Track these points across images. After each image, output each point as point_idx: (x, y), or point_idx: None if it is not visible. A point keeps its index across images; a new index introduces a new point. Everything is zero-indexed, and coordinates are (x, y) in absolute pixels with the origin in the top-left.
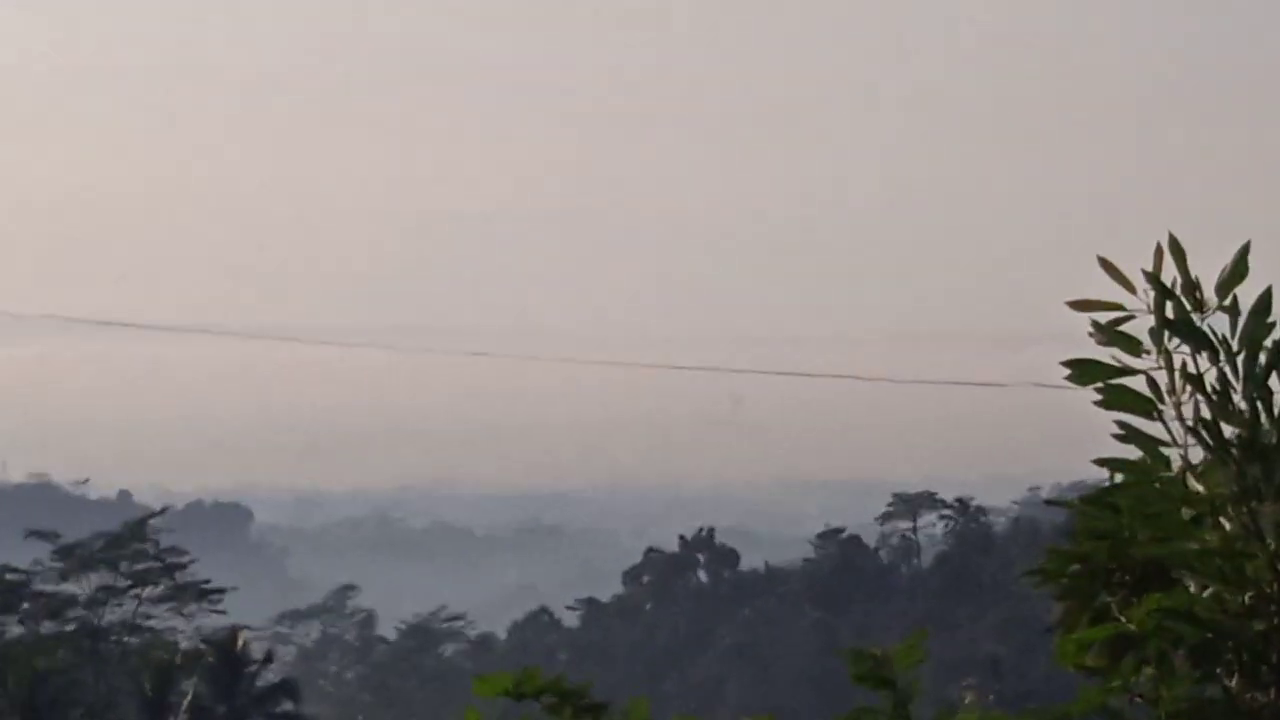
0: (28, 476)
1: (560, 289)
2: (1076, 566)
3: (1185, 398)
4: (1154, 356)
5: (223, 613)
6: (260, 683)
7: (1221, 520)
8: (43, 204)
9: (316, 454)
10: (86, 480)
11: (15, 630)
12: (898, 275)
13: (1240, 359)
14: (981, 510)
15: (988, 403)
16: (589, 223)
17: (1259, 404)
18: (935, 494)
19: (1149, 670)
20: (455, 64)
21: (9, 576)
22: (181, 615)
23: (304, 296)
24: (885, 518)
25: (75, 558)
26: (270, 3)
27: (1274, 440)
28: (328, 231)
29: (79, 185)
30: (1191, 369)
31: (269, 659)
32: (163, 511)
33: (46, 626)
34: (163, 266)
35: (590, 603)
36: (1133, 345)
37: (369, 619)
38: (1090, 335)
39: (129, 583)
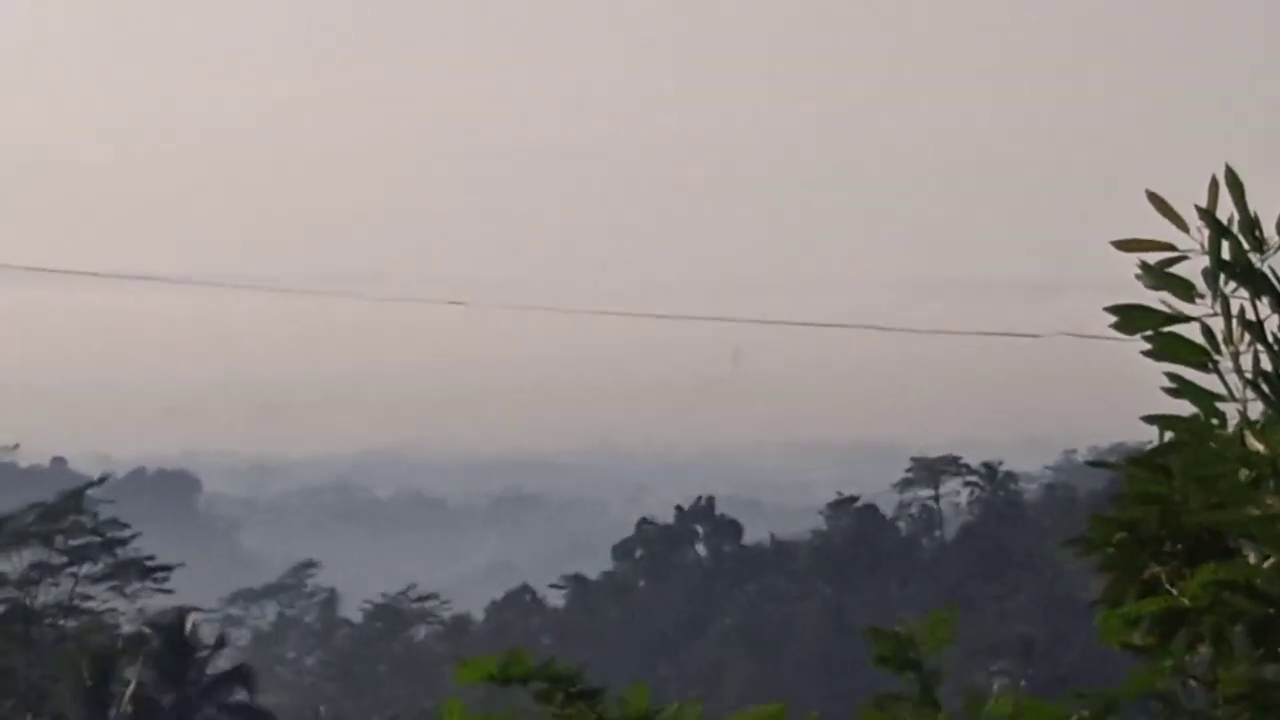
0: None
1: (546, 234)
2: (1122, 535)
3: (1244, 347)
4: (1209, 301)
5: (169, 592)
6: (211, 670)
7: None
8: None
9: (272, 416)
10: (16, 446)
11: None
12: (920, 216)
13: None
14: (1011, 476)
15: (1018, 356)
16: (579, 162)
17: None
18: (959, 458)
19: (1204, 649)
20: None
21: None
22: (123, 595)
23: (259, 241)
24: (904, 485)
25: (5, 532)
26: None
27: None
28: (289, 170)
29: (6, 128)
30: (1250, 315)
31: (221, 643)
32: (101, 480)
33: None
34: (101, 210)
35: (577, 580)
36: (1185, 289)
37: (331, 599)
38: (1137, 279)
39: (65, 560)
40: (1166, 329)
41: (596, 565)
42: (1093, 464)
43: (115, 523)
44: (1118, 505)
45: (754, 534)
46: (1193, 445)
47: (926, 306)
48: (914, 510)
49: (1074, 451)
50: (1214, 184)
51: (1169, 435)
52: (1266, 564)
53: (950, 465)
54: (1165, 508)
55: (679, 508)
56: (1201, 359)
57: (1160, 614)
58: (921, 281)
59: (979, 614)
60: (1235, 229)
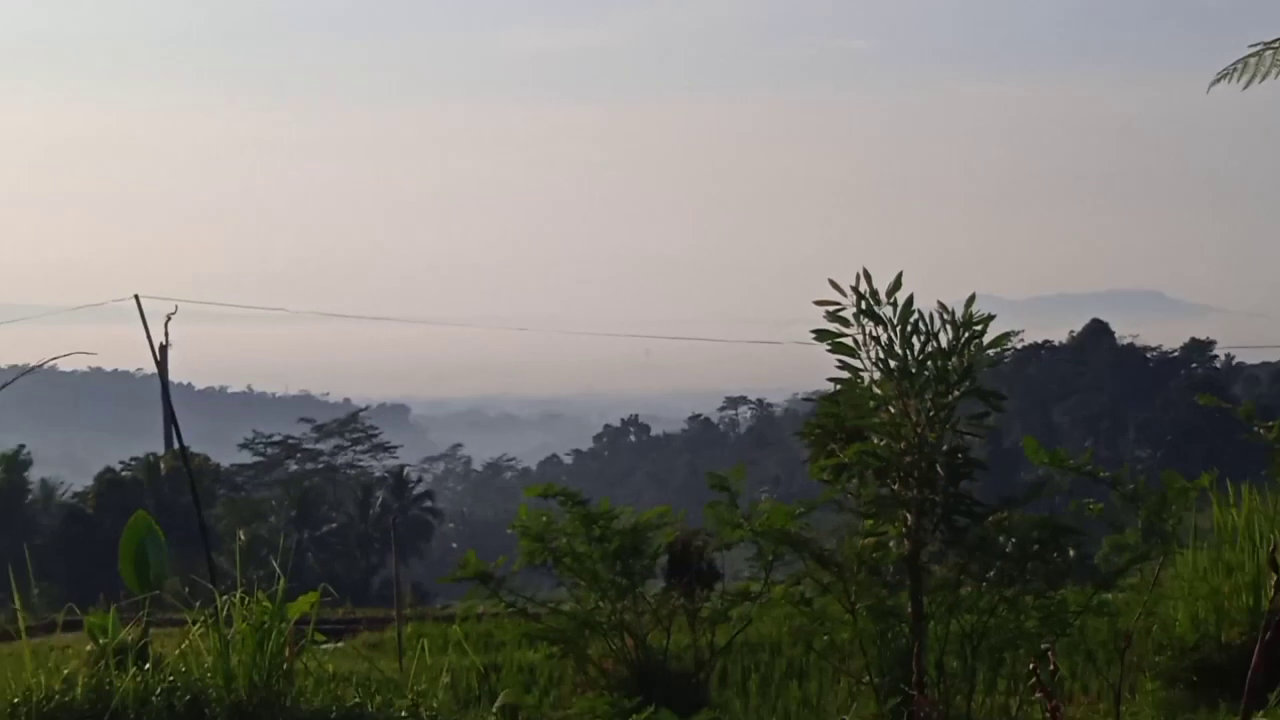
0: (299, 391)
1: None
2: (818, 430)
3: (872, 348)
4: (855, 328)
5: (395, 459)
6: (415, 492)
7: (890, 408)
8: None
9: (440, 381)
10: (328, 393)
11: (293, 468)
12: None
13: (898, 329)
14: (770, 405)
15: (773, 350)
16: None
17: (907, 351)
18: (746, 397)
19: (855, 481)
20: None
21: (290, 441)
22: (375, 460)
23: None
24: (721, 409)
25: (323, 431)
26: None
27: (914, 369)
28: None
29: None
30: (873, 334)
31: (419, 480)
32: (365, 409)
33: (309, 466)
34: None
35: (577, 452)
36: (845, 322)
37: (469, 461)
38: (824, 317)
39: (349, 443)
40: (839, 339)
41: (586, 445)
42: (806, 399)
43: (372, 427)
44: (817, 417)
45: (655, 431)
46: (849, 389)
47: (731, 329)
48: (726, 420)
49: (797, 394)
50: (858, 276)
51: (839, 386)
52: (882, 444)
53: (742, 400)
54: (836, 418)
55: (623, 419)
56: (853, 353)
57: (834, 465)
58: (730, 319)
59: (756, 468)
60: (868, 295)
